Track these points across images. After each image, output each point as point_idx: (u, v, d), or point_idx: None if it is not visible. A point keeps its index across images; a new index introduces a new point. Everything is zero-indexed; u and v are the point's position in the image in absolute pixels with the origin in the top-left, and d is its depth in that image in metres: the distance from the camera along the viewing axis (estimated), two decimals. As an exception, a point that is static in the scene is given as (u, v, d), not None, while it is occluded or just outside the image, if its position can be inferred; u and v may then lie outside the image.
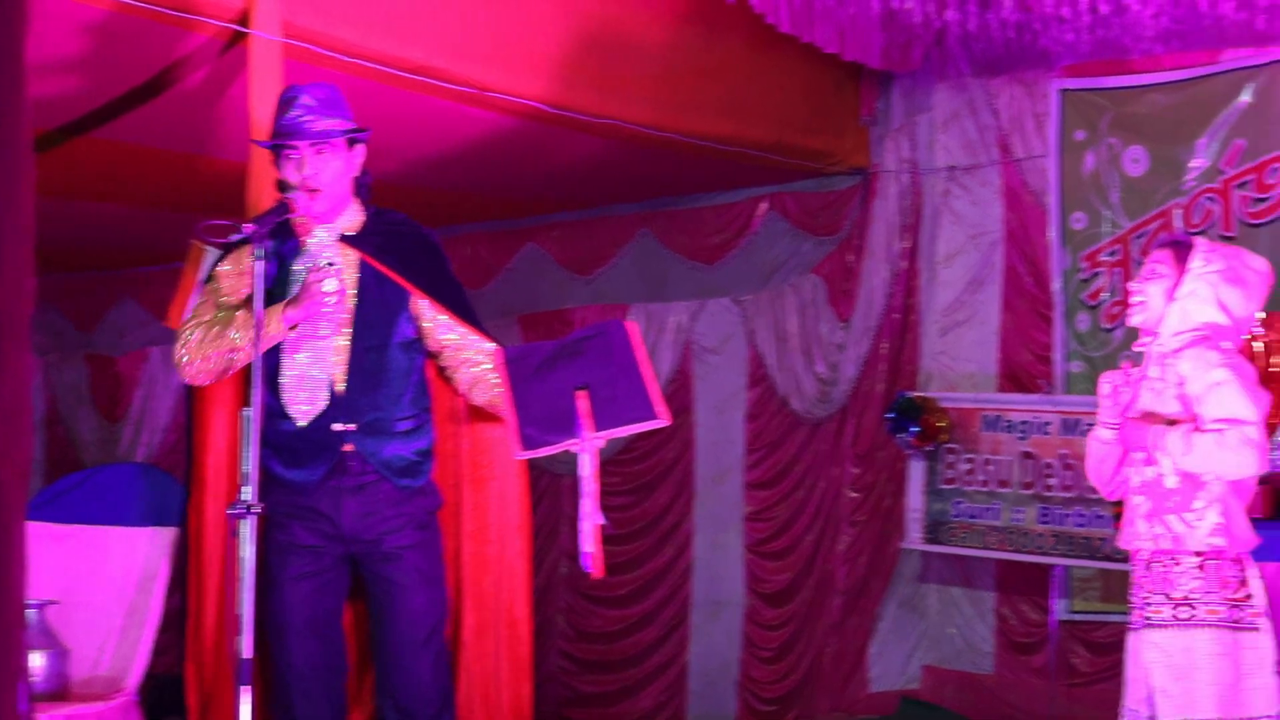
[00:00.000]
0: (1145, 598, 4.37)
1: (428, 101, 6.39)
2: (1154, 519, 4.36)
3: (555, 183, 8.73)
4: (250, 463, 4.13)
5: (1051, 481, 7.43)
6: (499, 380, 4.64)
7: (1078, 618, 7.68)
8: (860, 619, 8.40)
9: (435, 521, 4.82)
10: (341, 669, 4.77)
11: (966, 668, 8.14)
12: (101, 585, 5.59)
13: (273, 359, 4.59)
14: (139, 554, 5.58)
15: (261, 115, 5.38)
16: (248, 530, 4.09)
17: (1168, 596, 4.32)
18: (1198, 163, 7.36)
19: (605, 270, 9.63)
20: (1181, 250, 4.42)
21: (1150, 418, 4.37)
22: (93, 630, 5.52)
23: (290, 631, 4.62)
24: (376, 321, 4.68)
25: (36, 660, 5.16)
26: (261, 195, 5.24)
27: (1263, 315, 6.21)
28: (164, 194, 8.15)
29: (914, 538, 7.97)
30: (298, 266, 4.65)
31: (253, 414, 4.17)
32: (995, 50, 7.73)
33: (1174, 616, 4.30)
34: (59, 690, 5.29)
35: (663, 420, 4.49)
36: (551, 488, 9.53)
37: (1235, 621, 4.26)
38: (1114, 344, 7.53)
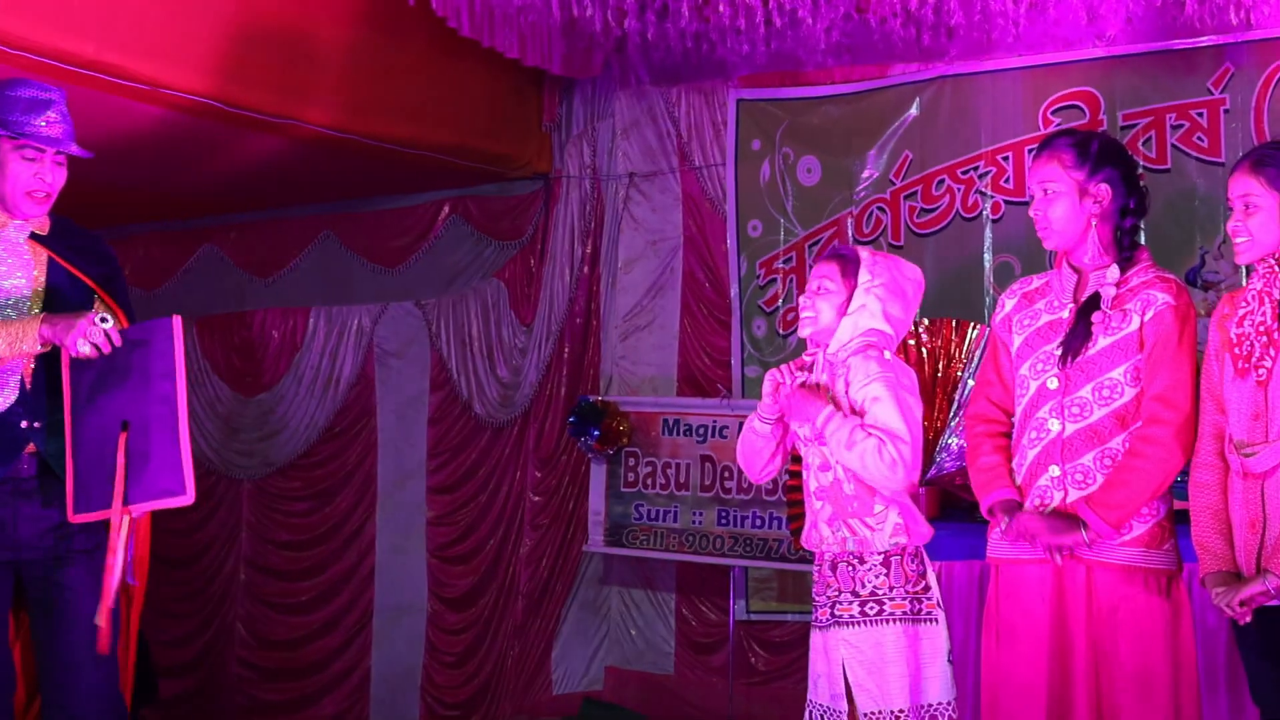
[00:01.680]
0: (833, 597, 4.44)
1: (98, 97, 6.21)
2: (836, 523, 4.44)
3: (233, 183, 8.56)
4: None
5: (730, 484, 7.57)
6: None
7: (755, 618, 7.82)
8: (543, 622, 8.43)
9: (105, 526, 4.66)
10: (13, 683, 4.63)
11: (648, 668, 8.21)
12: None
13: None
14: None
15: None
16: None
17: (855, 594, 4.40)
18: (868, 173, 7.58)
19: (286, 272, 9.48)
20: (847, 265, 4.51)
21: (820, 390, 4.47)
22: None
23: None
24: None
25: None
26: None
27: (927, 323, 6.45)
28: None
29: (596, 540, 8.03)
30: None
31: None
32: (674, 59, 7.81)
33: (862, 613, 4.38)
34: None
35: (190, 498, 4.33)
36: (230, 493, 9.37)
37: (916, 614, 4.39)
38: (789, 349, 7.69)
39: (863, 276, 4.49)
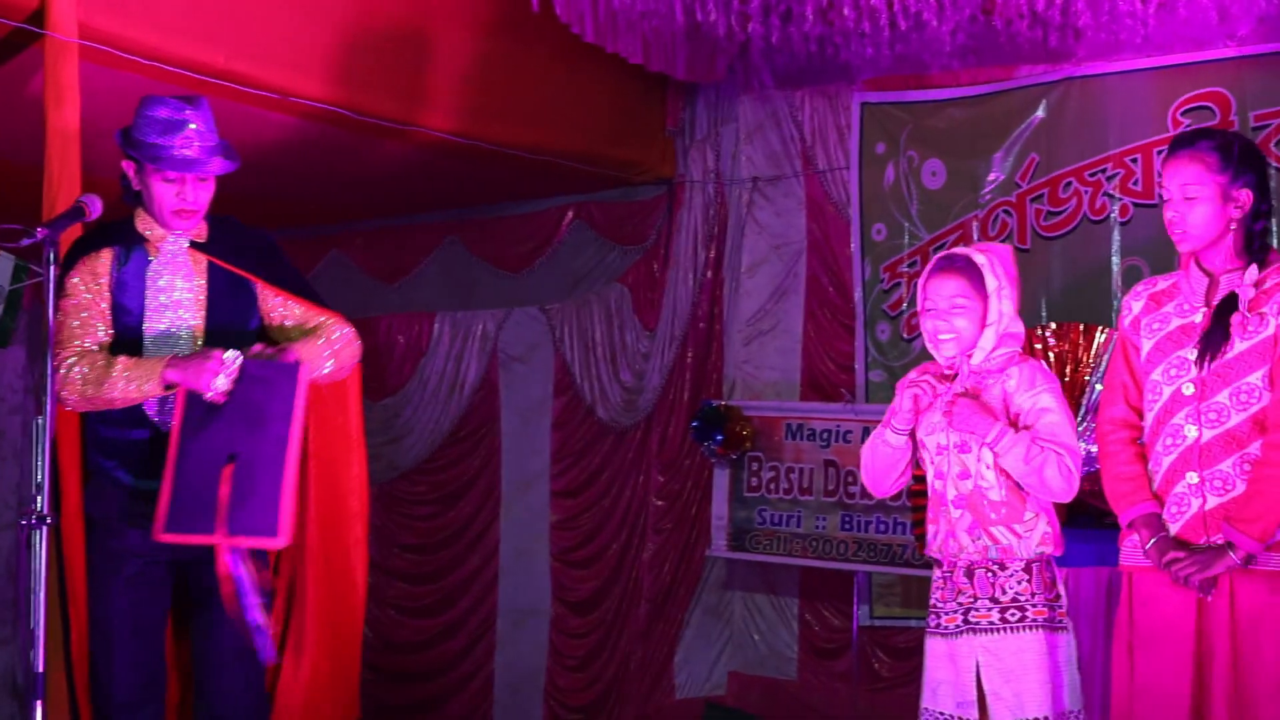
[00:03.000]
0: (966, 603, 4.41)
1: (228, 105, 6.29)
2: (977, 531, 4.40)
3: (360, 190, 8.65)
4: (44, 472, 4.05)
5: (853, 489, 7.52)
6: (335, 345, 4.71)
7: (879, 623, 7.77)
8: (666, 626, 8.44)
9: None
10: (164, 680, 4.70)
11: (771, 673, 8.19)
12: None
13: None
14: None
15: (59, 118, 5.30)
16: (39, 542, 4.01)
17: (994, 600, 4.37)
18: (994, 176, 7.51)
19: (411, 278, 9.57)
20: (972, 275, 4.46)
21: (985, 408, 4.42)
22: None
23: (115, 639, 4.54)
24: (229, 326, 4.70)
25: None
26: (57, 199, 5.17)
27: (1054, 327, 6.37)
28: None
29: (719, 545, 8.03)
30: (161, 282, 4.63)
31: (46, 423, 4.11)
32: (798, 63, 7.79)
33: (1003, 620, 4.35)
34: None
35: (283, 541, 4.39)
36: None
37: (1052, 622, 4.36)
38: (914, 354, 7.63)
39: (990, 283, 4.44)
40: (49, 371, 4.20)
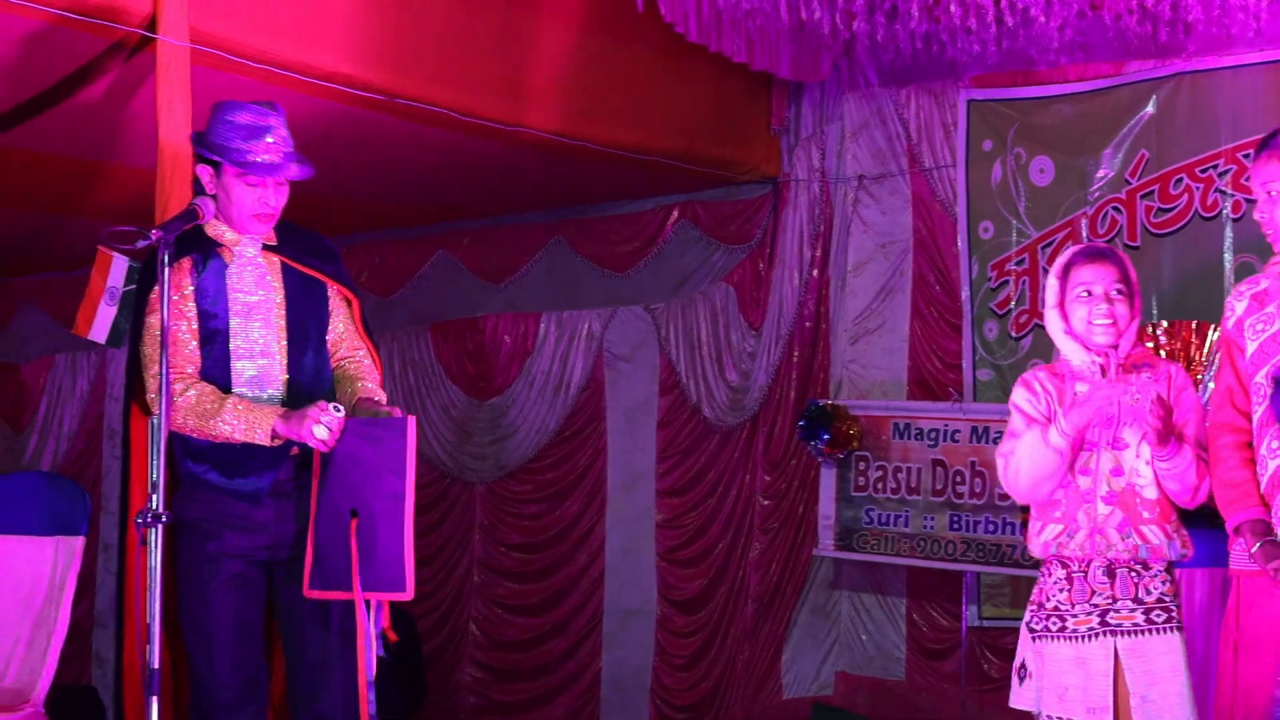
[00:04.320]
0: (1103, 604, 4.35)
1: (336, 108, 6.37)
2: (1127, 529, 4.33)
3: (467, 190, 8.71)
4: (158, 471, 4.09)
5: (961, 489, 7.48)
6: (370, 378, 4.79)
7: (987, 624, 7.72)
8: (773, 626, 8.42)
9: None
10: (265, 680, 4.75)
11: (879, 674, 8.16)
12: (7, 595, 5.50)
13: (222, 372, 4.61)
14: (45, 564, 5.50)
15: (172, 121, 5.36)
16: (155, 540, 4.04)
17: (1138, 601, 4.32)
18: (1103, 173, 7.43)
19: (517, 278, 9.61)
20: (1124, 263, 4.41)
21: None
22: None
23: (217, 642, 4.58)
24: (308, 324, 4.76)
25: None
26: (169, 201, 5.22)
27: (1166, 325, 6.30)
28: (69, 200, 8.06)
29: (826, 545, 7.99)
30: (241, 286, 4.68)
31: (160, 423, 4.15)
32: (903, 60, 7.76)
33: (1148, 621, 4.31)
34: None
35: (410, 595, 4.42)
36: (463, 496, 9.51)
37: (1180, 625, 4.34)
38: (1022, 352, 7.59)
39: (1133, 274, 4.42)
40: (164, 373, 4.23)
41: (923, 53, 7.47)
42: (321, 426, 4.40)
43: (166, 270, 4.22)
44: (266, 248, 4.75)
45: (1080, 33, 7.16)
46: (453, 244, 9.85)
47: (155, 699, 4.04)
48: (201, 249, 4.67)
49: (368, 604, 4.44)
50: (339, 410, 4.43)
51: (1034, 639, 4.47)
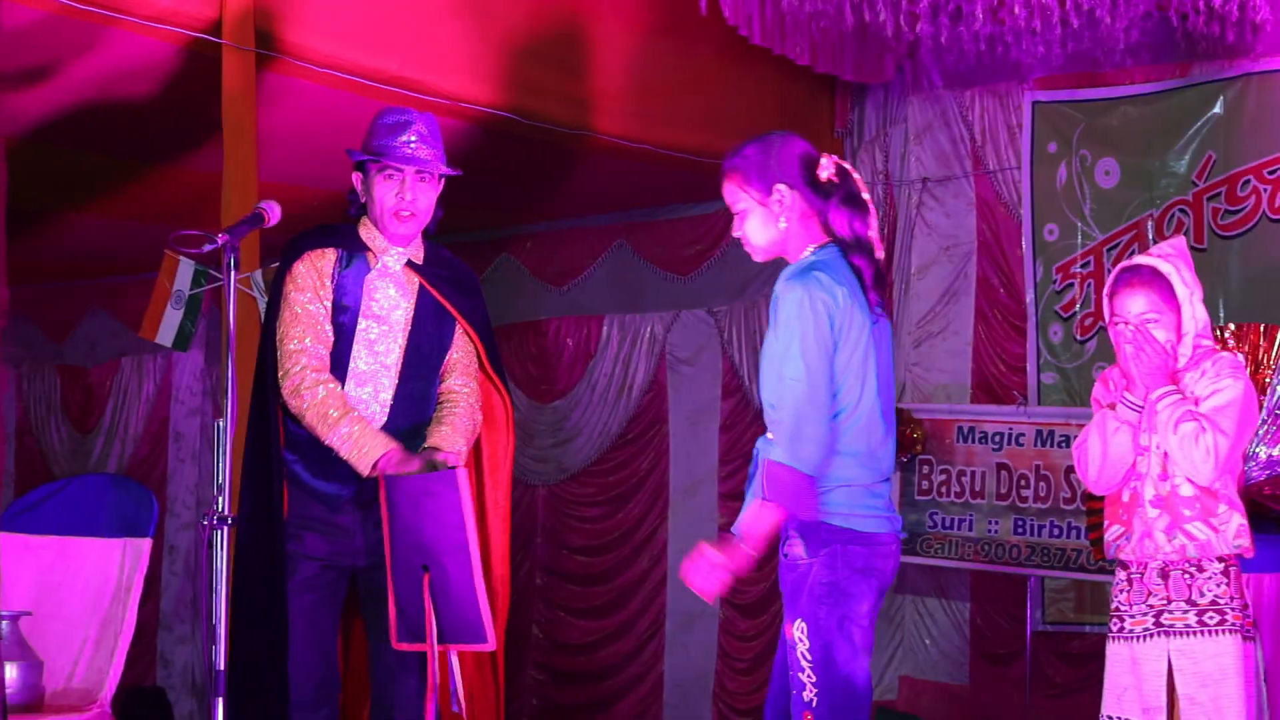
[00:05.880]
0: (1158, 606, 4.33)
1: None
2: (1174, 531, 4.31)
3: (530, 193, 8.71)
4: (224, 474, 4.10)
5: (1026, 493, 7.43)
6: (455, 420, 4.78)
7: (1052, 628, 7.68)
8: (836, 630, 8.37)
9: None
10: (337, 681, 4.79)
11: (942, 678, 8.12)
12: (74, 596, 5.53)
13: (338, 370, 4.67)
14: (112, 565, 5.52)
15: (237, 125, 5.40)
16: (221, 542, 4.05)
17: (1191, 603, 4.29)
18: (1169, 175, 7.39)
19: (580, 281, 9.60)
20: (1162, 289, 4.36)
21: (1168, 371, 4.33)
22: (66, 642, 5.45)
23: (292, 644, 4.61)
24: (429, 351, 4.80)
25: (10, 672, 5.04)
26: (236, 205, 5.30)
27: (1234, 328, 6.23)
28: (136, 204, 8.12)
29: (889, 549, 7.92)
30: (377, 293, 4.74)
31: (227, 426, 4.13)
32: (968, 62, 7.69)
33: (1200, 623, 4.27)
34: (33, 701, 5.20)
35: (492, 645, 4.43)
36: (525, 499, 9.52)
37: (1244, 630, 4.28)
38: (1087, 355, 7.55)
39: (1181, 292, 4.36)
40: (230, 375, 4.21)
41: (987, 54, 7.40)
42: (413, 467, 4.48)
43: (233, 274, 4.21)
44: (411, 265, 4.78)
45: (1146, 34, 7.10)
46: (515, 248, 9.86)
47: (221, 700, 4.03)
48: (351, 246, 4.73)
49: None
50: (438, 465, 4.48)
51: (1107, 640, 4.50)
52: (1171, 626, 4.30)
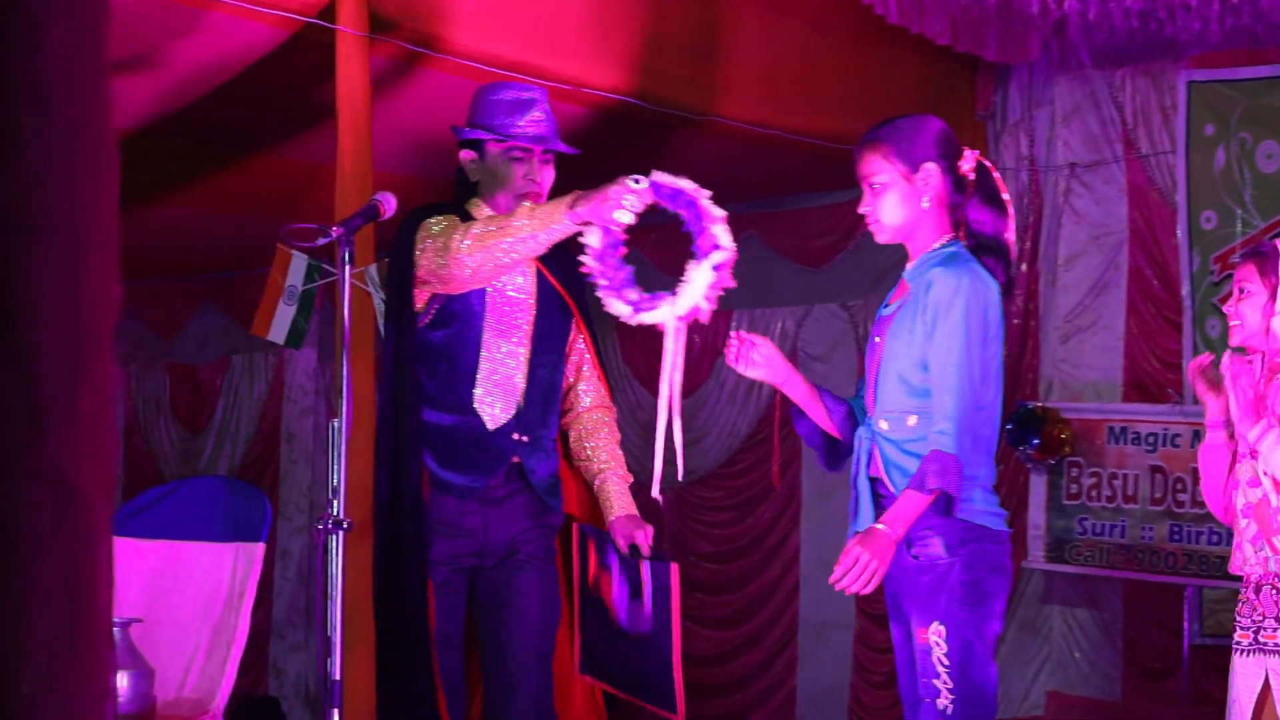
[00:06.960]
0: (1257, 621, 4.26)
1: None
2: (1260, 542, 4.24)
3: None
4: (339, 477, 4.00)
5: (1182, 497, 7.27)
6: (596, 447, 4.92)
7: (1210, 641, 7.45)
8: (978, 641, 8.20)
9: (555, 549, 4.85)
10: (464, 689, 4.72)
11: (1093, 694, 7.96)
12: (186, 603, 5.51)
13: (470, 354, 4.56)
14: (225, 571, 5.51)
15: (351, 114, 5.41)
16: (336, 547, 3.96)
17: None
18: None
19: (707, 274, 9.45)
20: (1265, 262, 4.34)
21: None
22: (178, 649, 5.43)
23: (420, 648, 4.53)
24: (553, 336, 4.76)
25: (121, 680, 5.03)
26: (350, 197, 5.24)
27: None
28: (247, 197, 8.15)
29: (1036, 556, 7.79)
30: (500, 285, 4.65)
31: (342, 426, 4.03)
32: (1118, 40, 7.57)
33: None
34: (144, 711, 5.14)
35: (679, 718, 4.54)
36: (649, 502, 9.30)
37: None
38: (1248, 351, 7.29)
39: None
40: (345, 373, 4.13)
41: (1139, 31, 7.29)
42: (625, 211, 4.24)
43: (347, 269, 4.08)
44: None
45: (1312, 7, 6.93)
46: (640, 240, 9.60)
47: (337, 711, 3.96)
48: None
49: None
50: (640, 182, 4.26)
51: None
52: (1265, 645, 4.25)
